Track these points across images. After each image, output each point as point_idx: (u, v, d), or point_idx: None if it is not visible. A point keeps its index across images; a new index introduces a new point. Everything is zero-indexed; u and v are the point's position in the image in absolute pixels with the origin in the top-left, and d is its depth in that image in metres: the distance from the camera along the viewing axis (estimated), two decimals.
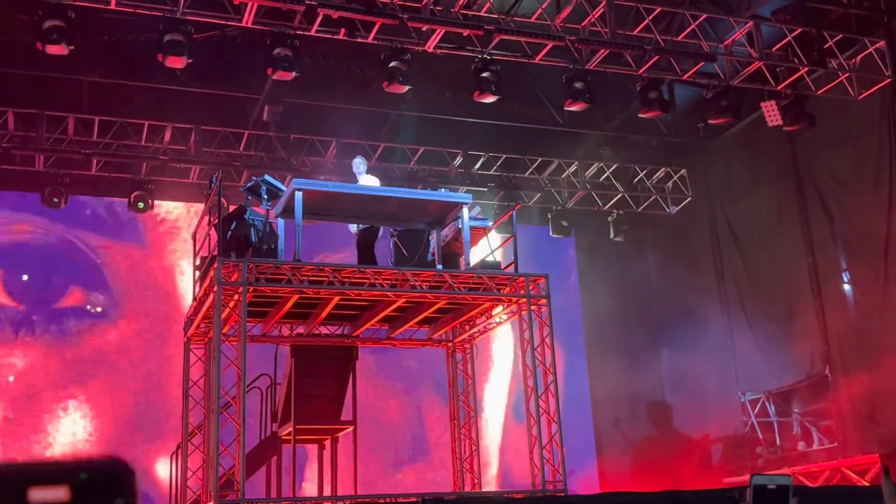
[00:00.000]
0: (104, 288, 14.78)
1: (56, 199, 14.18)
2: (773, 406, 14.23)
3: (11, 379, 14.01)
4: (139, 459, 13.72)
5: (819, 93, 13.11)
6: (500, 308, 10.44)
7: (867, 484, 11.63)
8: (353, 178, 10.81)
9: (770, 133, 13.73)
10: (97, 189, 14.90)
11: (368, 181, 10.47)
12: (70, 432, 14.09)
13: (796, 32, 12.41)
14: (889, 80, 12.81)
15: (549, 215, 17.18)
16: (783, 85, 12.96)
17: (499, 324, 11.01)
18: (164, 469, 10.11)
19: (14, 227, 14.59)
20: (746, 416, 14.46)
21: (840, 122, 13.51)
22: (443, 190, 10.96)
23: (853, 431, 13.08)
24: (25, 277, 14.41)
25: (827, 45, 12.57)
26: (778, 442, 14.04)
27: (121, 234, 15.08)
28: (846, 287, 13.77)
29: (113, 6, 10.18)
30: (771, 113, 13.20)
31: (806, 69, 12.69)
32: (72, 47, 10.10)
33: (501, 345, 16.73)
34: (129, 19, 10.82)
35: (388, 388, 15.72)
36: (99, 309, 14.72)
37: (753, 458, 14.23)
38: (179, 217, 15.50)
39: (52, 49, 10.02)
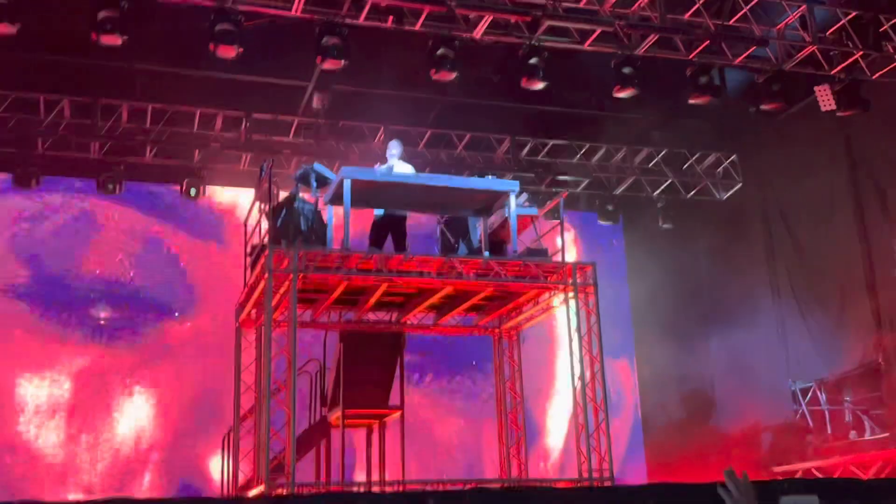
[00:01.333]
0: (181, 280, 15.26)
1: (111, 186, 14.48)
2: (824, 394, 14.04)
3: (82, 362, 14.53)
4: (198, 446, 14.20)
5: (874, 77, 12.84)
6: (547, 295, 10.44)
7: None
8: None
9: (823, 118, 13.48)
10: (151, 175, 15.17)
11: (401, 167, 10.49)
12: (135, 416, 14.59)
13: (851, 16, 12.16)
14: None
15: (596, 201, 17.11)
16: (837, 69, 12.70)
17: (545, 311, 11.01)
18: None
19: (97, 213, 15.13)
20: (797, 405, 14.27)
21: (895, 106, 13.22)
22: (490, 177, 10.97)
23: None
24: (98, 271, 14.88)
25: (882, 29, 12.30)
26: (829, 431, 13.86)
27: (201, 232, 15.48)
28: None
29: None
30: (824, 97, 12.96)
31: (860, 53, 12.42)
32: (125, 37, 10.27)
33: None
34: (180, 8, 10.94)
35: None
36: (173, 302, 15.18)
37: (803, 447, 14.06)
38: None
39: (107, 39, 10.20)
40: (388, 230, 10.20)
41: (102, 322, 14.78)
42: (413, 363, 14.96)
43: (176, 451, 14.53)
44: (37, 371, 14.25)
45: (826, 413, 13.95)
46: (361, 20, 10.97)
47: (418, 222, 12.04)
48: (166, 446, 14.54)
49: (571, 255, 10.02)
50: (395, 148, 10.59)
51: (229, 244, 15.21)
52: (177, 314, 15.13)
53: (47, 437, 14.06)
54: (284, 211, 9.51)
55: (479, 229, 10.17)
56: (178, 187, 14.94)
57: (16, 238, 14.71)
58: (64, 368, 14.39)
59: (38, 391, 14.18)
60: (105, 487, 14.03)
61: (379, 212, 10.44)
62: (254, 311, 10.23)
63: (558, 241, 10.25)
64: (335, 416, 10.53)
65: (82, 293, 14.81)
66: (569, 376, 9.86)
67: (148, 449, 14.51)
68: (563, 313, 10.19)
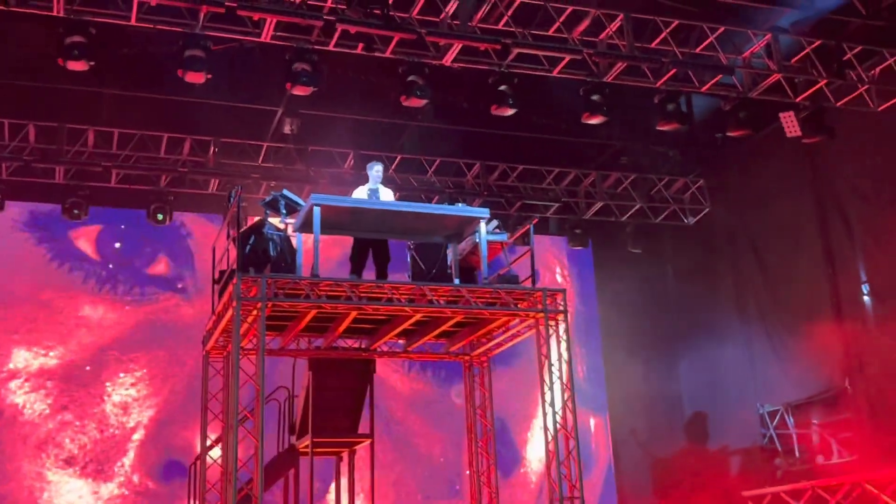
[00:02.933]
0: (189, 264, 15.47)
1: (76, 212, 14.31)
2: (791, 418, 14.14)
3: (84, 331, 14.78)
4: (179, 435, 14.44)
5: (838, 104, 13.04)
6: (516, 322, 10.43)
7: (888, 500, 11.55)
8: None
9: (789, 145, 13.67)
10: (117, 201, 15.01)
11: (385, 194, 10.47)
12: (125, 393, 14.70)
13: (815, 44, 12.35)
14: None
15: (566, 226, 17.19)
16: (802, 97, 12.90)
17: (515, 338, 10.99)
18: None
19: None
20: (765, 428, 14.37)
21: (859, 134, 13.42)
22: (460, 204, 10.97)
23: (873, 445, 12.96)
24: (118, 245, 15.23)
25: (846, 57, 12.50)
26: (797, 454, 13.95)
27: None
28: (866, 299, 13.69)
29: (133, 22, 10.27)
30: (790, 124, 13.14)
31: (825, 81, 12.63)
32: (92, 63, 10.20)
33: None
34: (148, 32, 10.89)
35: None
36: (180, 285, 15.41)
37: (772, 471, 14.14)
38: None
39: (74, 65, 10.13)
40: (369, 250, 10.14)
41: None
42: None
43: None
44: None
45: (794, 436, 14.05)
46: (332, 46, 10.97)
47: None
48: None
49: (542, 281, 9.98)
50: (380, 173, 10.46)
51: None
52: None
53: None
54: (253, 237, 9.43)
55: (449, 255, 10.14)
56: (144, 212, 14.80)
57: None
58: None
59: None
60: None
61: None
62: (222, 339, 10.11)
63: (557, 265, 10.25)
64: (304, 444, 10.43)
65: None
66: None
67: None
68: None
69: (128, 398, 14.70)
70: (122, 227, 15.31)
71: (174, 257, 15.49)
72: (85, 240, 15.04)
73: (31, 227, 14.85)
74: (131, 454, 14.48)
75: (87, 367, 14.60)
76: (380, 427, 12.24)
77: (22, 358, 14.31)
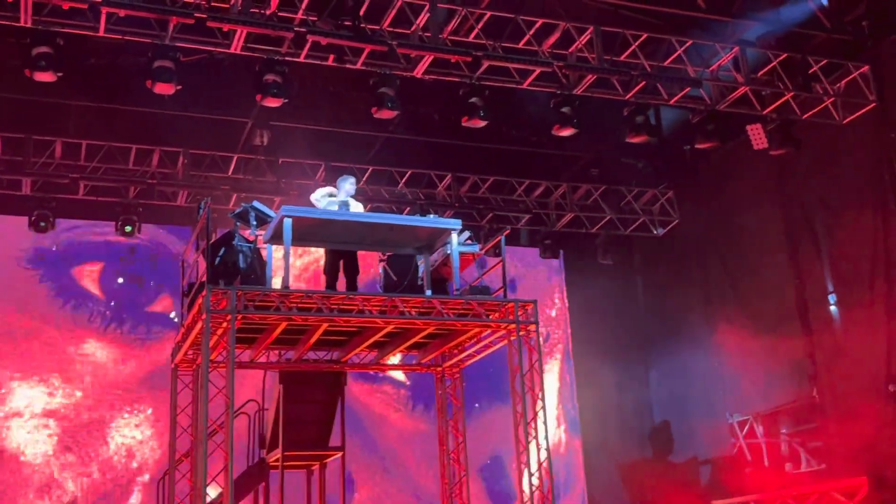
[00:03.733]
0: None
1: (43, 224, 14.14)
2: (761, 427, 14.25)
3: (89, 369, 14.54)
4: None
5: (804, 117, 13.22)
6: (488, 334, 10.44)
7: None
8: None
9: (757, 157, 13.82)
10: (85, 213, 14.85)
11: (355, 206, 10.43)
12: (129, 434, 14.54)
13: (781, 57, 12.53)
14: (873, 104, 12.93)
15: (537, 237, 17.25)
16: (769, 109, 13.06)
17: (487, 349, 10.99)
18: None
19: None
20: (734, 438, 14.47)
21: (825, 146, 13.61)
22: (432, 215, 10.97)
23: (841, 453, 13.09)
24: (121, 280, 15.05)
25: (812, 70, 12.68)
26: (766, 463, 14.05)
27: None
28: (833, 308, 13.84)
29: (102, 33, 10.19)
30: (757, 136, 13.30)
31: (791, 94, 12.80)
32: (59, 74, 10.10)
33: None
34: (117, 43, 10.81)
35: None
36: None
37: (741, 480, 14.23)
38: None
39: (41, 76, 10.03)
40: (340, 260, 10.08)
41: None
42: None
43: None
44: None
45: (763, 446, 14.15)
46: (302, 58, 10.95)
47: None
48: None
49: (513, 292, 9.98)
50: (352, 187, 10.39)
51: None
52: None
53: None
54: (223, 249, 9.36)
55: (421, 266, 10.13)
56: (112, 224, 14.66)
57: None
58: None
59: None
60: None
61: None
62: (191, 352, 10.02)
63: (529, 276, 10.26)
64: (274, 457, 10.35)
65: None
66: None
67: None
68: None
69: (132, 440, 14.51)
70: (123, 261, 15.11)
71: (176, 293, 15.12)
72: (89, 279, 14.86)
73: (35, 264, 14.65)
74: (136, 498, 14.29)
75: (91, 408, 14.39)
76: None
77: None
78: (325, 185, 10.62)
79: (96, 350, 14.64)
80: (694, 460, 15.87)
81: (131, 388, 14.67)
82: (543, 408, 9.62)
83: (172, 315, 14.86)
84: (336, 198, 10.10)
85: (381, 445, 15.75)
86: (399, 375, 15.91)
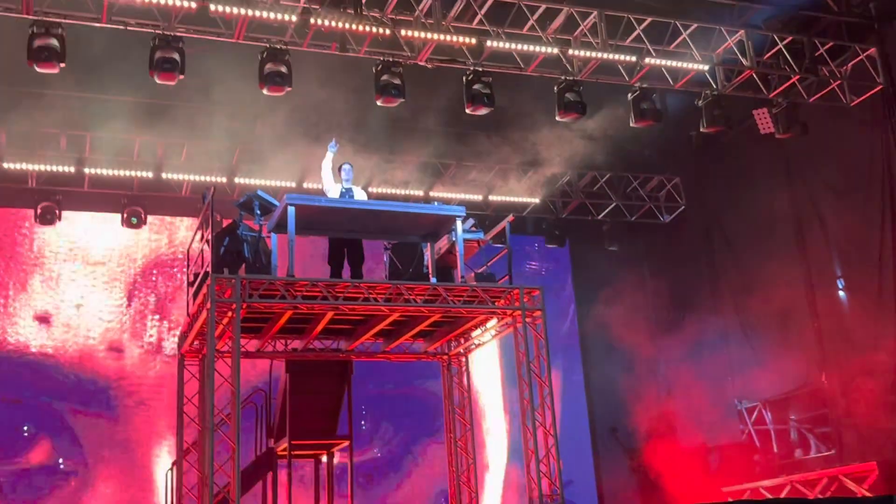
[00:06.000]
0: (73, 440, 14.08)
1: (49, 217, 14.17)
2: (769, 414, 14.20)
3: None
4: None
5: (811, 100, 13.12)
6: (494, 321, 10.41)
7: (866, 492, 11.61)
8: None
9: (763, 141, 13.73)
10: (90, 205, 14.85)
11: (359, 194, 10.41)
12: None
13: (787, 41, 12.44)
14: (880, 87, 12.84)
15: (543, 225, 17.18)
16: (775, 93, 12.97)
17: (494, 336, 10.97)
18: None
19: None
20: (743, 424, 14.43)
21: (832, 129, 13.51)
22: (436, 203, 10.92)
23: (850, 439, 13.05)
24: None
25: (818, 53, 12.59)
26: (775, 450, 14.01)
27: (90, 401, 14.27)
28: (841, 294, 13.77)
29: (104, 23, 10.16)
30: (763, 121, 13.22)
31: (797, 77, 12.71)
32: (62, 65, 10.07)
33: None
34: (120, 34, 10.77)
35: None
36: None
37: (751, 466, 14.19)
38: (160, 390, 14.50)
39: (44, 67, 10.00)
40: (344, 248, 10.07)
41: None
42: None
43: None
44: None
45: (772, 432, 14.11)
46: (305, 46, 10.91)
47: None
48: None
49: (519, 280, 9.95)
50: (351, 171, 10.37)
51: None
52: None
53: None
54: (227, 239, 9.35)
55: (426, 254, 10.10)
56: (118, 216, 14.67)
57: None
58: None
59: None
60: None
61: None
62: (197, 342, 10.02)
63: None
64: (282, 447, 10.36)
65: None
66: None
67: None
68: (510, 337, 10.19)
69: None
70: None
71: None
72: None
73: None
74: None
75: None
76: None
77: None
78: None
79: None
80: (703, 447, 15.82)
81: None
82: (551, 394, 9.60)
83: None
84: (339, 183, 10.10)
85: None
86: None
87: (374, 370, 14.21)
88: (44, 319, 14.39)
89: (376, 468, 15.44)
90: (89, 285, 14.75)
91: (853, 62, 12.92)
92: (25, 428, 13.88)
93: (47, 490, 13.71)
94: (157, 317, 14.92)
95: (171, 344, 14.46)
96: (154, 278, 15.13)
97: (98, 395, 14.29)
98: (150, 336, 14.81)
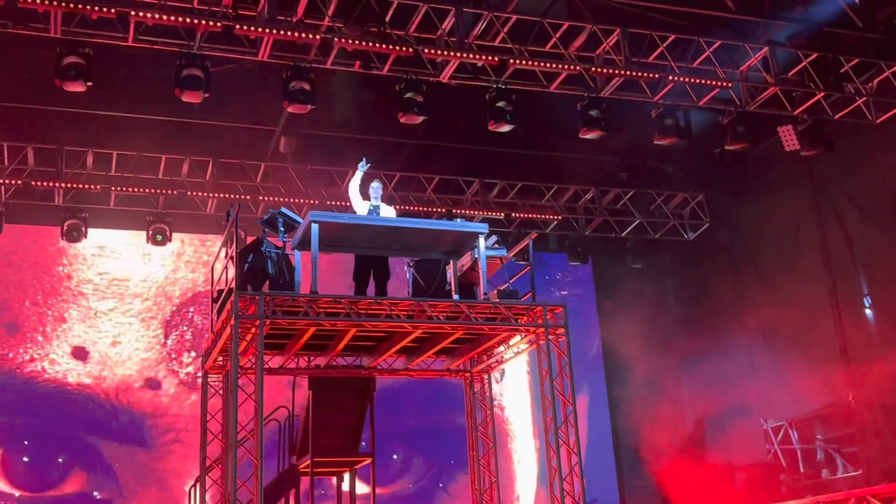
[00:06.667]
0: (108, 473, 14.25)
1: (75, 234, 14.30)
2: (795, 433, 14.05)
3: None
4: None
5: (836, 117, 13.04)
6: (517, 338, 10.37)
7: None
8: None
9: (788, 158, 13.65)
10: (115, 223, 14.99)
11: (386, 210, 10.44)
12: None
13: (812, 57, 12.36)
14: None
15: (566, 243, 17.15)
16: (800, 110, 12.90)
17: (517, 354, 10.93)
18: None
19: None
20: (769, 444, 14.27)
21: (858, 146, 13.42)
22: (459, 220, 10.92)
23: (878, 458, 12.87)
24: (26, 459, 13.96)
25: (843, 70, 12.51)
26: (801, 469, 13.84)
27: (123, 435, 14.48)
28: (868, 312, 13.63)
29: (130, 42, 10.29)
30: (788, 138, 13.14)
31: (822, 94, 12.63)
32: (89, 83, 10.21)
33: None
34: (146, 53, 10.91)
35: None
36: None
37: (777, 486, 14.02)
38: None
39: (71, 86, 10.14)
40: (370, 267, 10.08)
41: None
42: None
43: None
44: None
45: (798, 452, 13.95)
46: (329, 65, 10.99)
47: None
48: None
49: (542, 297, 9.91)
50: (380, 189, 10.40)
51: None
52: None
53: None
54: (251, 256, 9.38)
55: (448, 271, 10.10)
56: (143, 233, 14.79)
57: None
58: None
59: None
60: None
61: None
62: (220, 358, 10.05)
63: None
64: (304, 464, 10.34)
65: None
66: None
67: None
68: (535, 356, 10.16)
69: None
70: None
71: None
72: None
73: None
74: None
75: None
76: None
77: None
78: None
79: None
80: (729, 466, 15.66)
81: None
82: (574, 412, 9.54)
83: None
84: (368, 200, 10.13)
85: None
86: None
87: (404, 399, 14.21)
88: (80, 353, 14.54)
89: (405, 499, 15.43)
90: (126, 322, 14.94)
91: (879, 79, 12.83)
92: (60, 459, 13.93)
93: None
94: (192, 353, 15.01)
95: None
96: (191, 315, 15.24)
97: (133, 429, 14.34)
98: (187, 371, 14.91)
